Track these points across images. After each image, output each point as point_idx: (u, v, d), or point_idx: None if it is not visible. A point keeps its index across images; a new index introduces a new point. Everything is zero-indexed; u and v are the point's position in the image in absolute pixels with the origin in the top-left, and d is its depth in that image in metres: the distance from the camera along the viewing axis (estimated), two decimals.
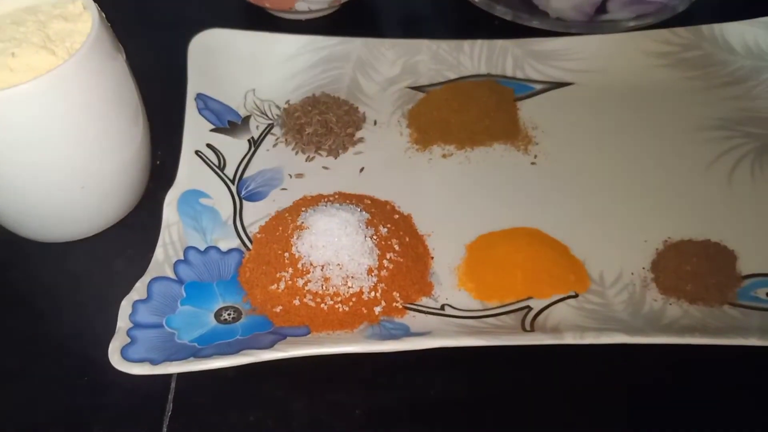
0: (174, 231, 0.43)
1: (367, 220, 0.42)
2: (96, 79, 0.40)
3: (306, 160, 0.49)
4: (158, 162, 0.49)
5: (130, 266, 0.42)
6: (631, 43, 0.55)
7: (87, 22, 0.41)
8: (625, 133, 0.50)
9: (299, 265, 0.41)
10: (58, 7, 0.41)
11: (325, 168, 0.49)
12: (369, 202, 0.45)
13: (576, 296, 0.41)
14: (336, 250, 0.41)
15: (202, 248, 0.43)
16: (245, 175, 0.48)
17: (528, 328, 0.39)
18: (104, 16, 0.41)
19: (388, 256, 0.41)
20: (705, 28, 0.55)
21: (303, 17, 0.61)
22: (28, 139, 0.38)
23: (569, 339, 0.37)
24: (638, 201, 0.46)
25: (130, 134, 0.44)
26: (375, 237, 0.42)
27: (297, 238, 0.41)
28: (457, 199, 0.47)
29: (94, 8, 0.41)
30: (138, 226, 0.46)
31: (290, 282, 0.40)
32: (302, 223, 0.42)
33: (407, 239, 0.43)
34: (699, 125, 0.50)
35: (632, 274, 0.42)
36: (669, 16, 0.58)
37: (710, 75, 0.53)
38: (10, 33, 0.40)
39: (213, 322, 0.40)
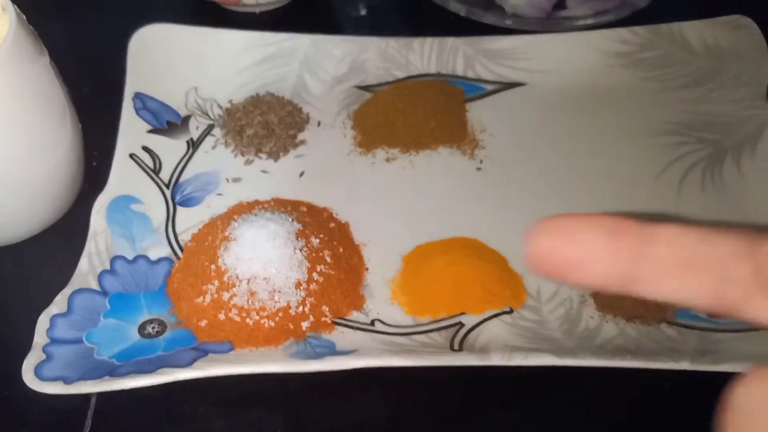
0: (101, 240, 0.42)
1: (298, 231, 0.41)
2: (13, 84, 0.38)
3: (245, 164, 0.47)
4: (94, 163, 0.47)
5: (58, 275, 0.41)
6: (587, 42, 0.52)
7: (5, 25, 0.39)
8: (575, 137, 0.49)
9: (225, 278, 0.39)
10: None
11: (264, 172, 0.47)
12: (305, 209, 0.44)
13: (511, 312, 0.40)
14: (263, 263, 0.39)
15: (130, 257, 0.42)
16: (181, 179, 0.46)
17: (456, 347, 0.38)
18: (24, 17, 0.40)
19: (318, 269, 0.40)
20: (664, 27, 0.53)
21: (256, 10, 0.59)
22: None
23: (496, 360, 0.36)
24: (584, 211, 0.44)
25: (55, 138, 0.42)
26: (305, 249, 0.40)
27: (224, 250, 0.40)
28: (397, 206, 0.45)
29: (11, 9, 0.39)
30: (69, 232, 0.44)
31: (216, 295, 0.39)
32: (229, 234, 0.41)
33: (341, 250, 0.42)
34: (653, 129, 0.49)
35: (570, 289, 0.41)
36: (629, 12, 0.56)
37: (668, 76, 0.52)
38: None
39: (136, 336, 0.39)
